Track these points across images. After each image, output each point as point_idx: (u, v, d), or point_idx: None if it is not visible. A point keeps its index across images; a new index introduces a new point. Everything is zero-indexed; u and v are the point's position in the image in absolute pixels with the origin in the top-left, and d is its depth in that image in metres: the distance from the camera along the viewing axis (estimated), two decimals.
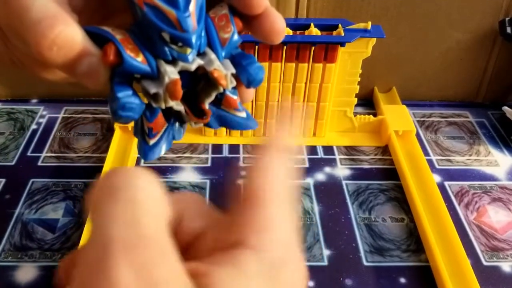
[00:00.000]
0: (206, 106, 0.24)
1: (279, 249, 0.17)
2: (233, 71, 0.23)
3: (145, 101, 0.23)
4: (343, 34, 0.53)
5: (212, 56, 0.23)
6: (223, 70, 0.23)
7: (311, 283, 0.44)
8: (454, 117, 0.66)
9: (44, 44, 0.20)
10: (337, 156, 0.58)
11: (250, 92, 0.25)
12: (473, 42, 0.64)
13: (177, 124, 0.24)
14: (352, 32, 0.53)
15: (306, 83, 0.56)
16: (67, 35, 0.21)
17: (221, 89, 0.23)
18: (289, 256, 0.17)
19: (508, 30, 0.60)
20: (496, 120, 0.66)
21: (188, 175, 0.55)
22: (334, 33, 0.54)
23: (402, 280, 0.45)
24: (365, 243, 0.48)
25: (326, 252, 0.47)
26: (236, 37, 0.23)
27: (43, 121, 0.63)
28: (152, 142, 0.23)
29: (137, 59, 0.21)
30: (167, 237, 0.16)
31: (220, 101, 0.24)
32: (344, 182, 0.55)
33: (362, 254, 0.47)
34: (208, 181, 0.54)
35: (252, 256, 0.17)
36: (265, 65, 0.54)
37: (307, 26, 0.54)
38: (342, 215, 0.51)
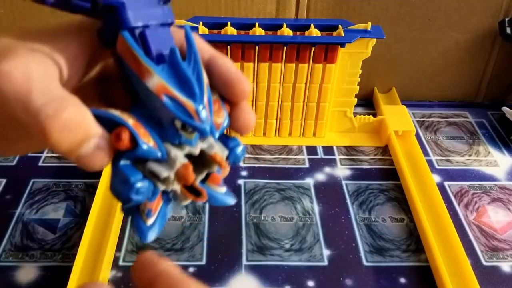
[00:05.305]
0: (198, 183, 0.24)
1: None
2: (227, 153, 0.25)
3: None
4: (343, 35, 0.53)
5: (212, 140, 0.24)
6: (220, 153, 0.24)
7: (311, 283, 0.44)
8: (453, 117, 0.66)
9: (53, 127, 0.19)
10: (337, 156, 0.58)
11: (228, 168, 0.26)
12: (473, 43, 0.64)
13: (171, 202, 0.25)
14: (352, 33, 0.53)
15: (306, 83, 0.56)
16: (77, 117, 0.20)
17: (214, 169, 0.24)
18: None
19: (508, 30, 0.60)
20: (495, 120, 0.66)
21: None
22: (334, 33, 0.55)
23: (402, 280, 0.45)
24: (365, 243, 0.48)
25: (326, 252, 0.47)
26: (227, 122, 0.25)
27: None
28: (150, 221, 0.23)
29: (150, 145, 0.22)
30: None
31: (205, 177, 0.25)
32: (344, 182, 0.55)
33: (362, 254, 0.47)
34: None
35: None
36: (265, 65, 0.54)
37: (307, 27, 0.54)
38: (342, 215, 0.51)
